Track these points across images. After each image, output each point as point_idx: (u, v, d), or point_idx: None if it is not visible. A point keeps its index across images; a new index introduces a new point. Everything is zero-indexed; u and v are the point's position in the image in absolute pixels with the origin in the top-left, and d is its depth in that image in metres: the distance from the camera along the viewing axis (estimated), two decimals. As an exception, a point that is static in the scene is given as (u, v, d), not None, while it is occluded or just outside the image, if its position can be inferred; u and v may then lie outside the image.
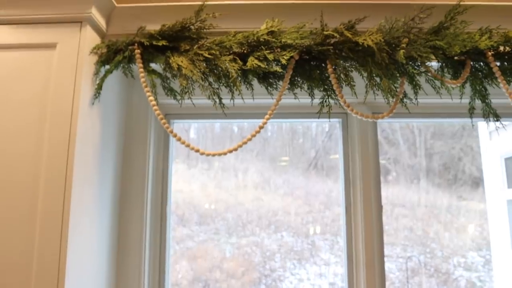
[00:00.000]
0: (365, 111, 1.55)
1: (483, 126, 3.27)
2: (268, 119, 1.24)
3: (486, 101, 1.32)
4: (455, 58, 1.27)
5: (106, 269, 1.42)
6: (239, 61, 1.25)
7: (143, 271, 1.48)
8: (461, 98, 1.35)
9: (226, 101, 1.36)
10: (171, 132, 1.27)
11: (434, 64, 1.29)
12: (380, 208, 1.54)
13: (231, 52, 1.28)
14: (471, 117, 1.37)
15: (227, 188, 5.58)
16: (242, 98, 1.29)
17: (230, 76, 1.24)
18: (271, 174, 5.64)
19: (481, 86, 1.30)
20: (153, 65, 1.34)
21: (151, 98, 1.28)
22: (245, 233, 5.32)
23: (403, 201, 5.53)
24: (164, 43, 1.29)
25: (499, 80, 1.25)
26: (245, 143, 1.24)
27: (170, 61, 1.26)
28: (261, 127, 1.25)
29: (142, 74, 1.29)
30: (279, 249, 5.27)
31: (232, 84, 1.27)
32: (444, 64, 1.28)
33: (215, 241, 5.23)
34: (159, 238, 1.56)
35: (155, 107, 1.27)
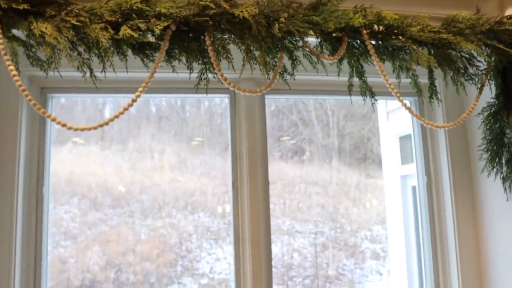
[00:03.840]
0: (252, 87, 1.54)
1: (381, 108, 3.43)
2: (141, 91, 1.17)
3: (363, 78, 1.36)
4: (333, 35, 1.28)
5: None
6: (110, 29, 1.16)
7: (14, 258, 1.36)
8: (338, 75, 1.37)
9: (106, 74, 1.27)
10: (35, 105, 1.15)
11: (313, 40, 1.29)
12: (267, 184, 1.54)
13: (103, 20, 1.18)
14: (350, 94, 1.40)
15: (143, 170, 5.39)
16: (114, 70, 1.20)
17: (100, 45, 1.15)
18: (188, 155, 5.54)
19: (357, 64, 1.33)
20: (15, 31, 1.20)
21: (12, 67, 1.15)
22: (161, 215, 5.19)
23: (316, 179, 5.71)
24: (26, 7, 1.16)
25: (373, 58, 1.28)
26: (117, 116, 1.16)
27: (33, 27, 1.14)
28: (134, 100, 1.17)
29: (0, 41, 1.16)
30: (195, 230, 5.22)
31: (103, 54, 1.18)
32: (322, 41, 1.29)
33: (129, 224, 5.05)
34: (35, 222, 1.44)
35: (16, 78, 1.15)
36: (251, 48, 1.20)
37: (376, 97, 1.40)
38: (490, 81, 1.51)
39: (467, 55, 1.40)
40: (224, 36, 1.22)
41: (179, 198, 5.21)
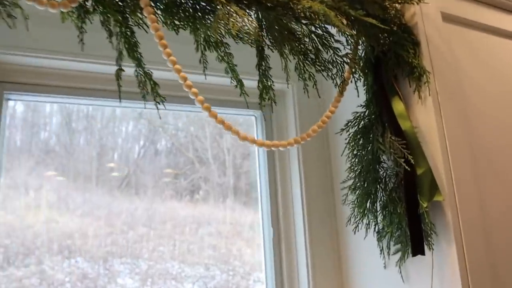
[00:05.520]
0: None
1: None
2: None
3: (135, 54, 0.76)
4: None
5: None
6: None
7: None
8: (81, 42, 0.74)
9: None
10: None
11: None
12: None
13: None
14: (119, 94, 0.76)
15: (14, 209, 4.44)
16: None
17: None
18: (71, 192, 4.68)
19: (124, 26, 0.75)
20: None
21: None
22: (29, 261, 4.22)
23: (209, 219, 5.12)
24: None
25: (145, 14, 0.71)
26: None
27: None
28: None
29: None
30: (70, 278, 4.31)
31: None
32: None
33: (-15, 275, 4.01)
34: None
35: None
36: None
37: (166, 100, 0.80)
38: (358, 79, 0.95)
39: (319, 31, 0.84)
40: None
41: (54, 241, 4.30)
